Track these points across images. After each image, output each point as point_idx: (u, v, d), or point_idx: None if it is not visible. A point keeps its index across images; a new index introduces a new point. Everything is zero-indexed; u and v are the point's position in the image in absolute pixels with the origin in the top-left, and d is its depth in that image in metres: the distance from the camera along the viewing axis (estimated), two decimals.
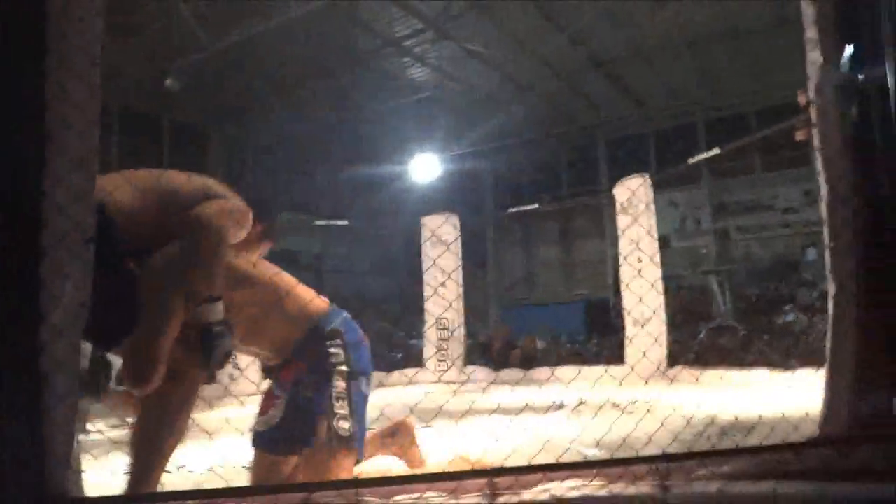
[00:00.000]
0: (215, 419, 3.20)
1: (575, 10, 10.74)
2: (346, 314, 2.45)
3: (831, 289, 2.10)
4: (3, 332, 1.63)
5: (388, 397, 4.98)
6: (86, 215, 1.84)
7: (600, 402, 3.93)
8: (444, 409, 2.91)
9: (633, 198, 6.06)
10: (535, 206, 8.08)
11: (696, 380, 5.62)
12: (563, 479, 1.82)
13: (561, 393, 5.08)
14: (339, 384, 2.18)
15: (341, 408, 2.14)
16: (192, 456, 3.01)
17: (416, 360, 7.67)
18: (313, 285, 2.53)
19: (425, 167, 13.65)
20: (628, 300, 6.14)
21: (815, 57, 2.19)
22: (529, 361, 6.83)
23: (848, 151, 2.09)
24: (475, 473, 1.79)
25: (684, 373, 5.85)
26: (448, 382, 6.32)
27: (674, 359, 6.34)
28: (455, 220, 7.06)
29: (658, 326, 6.01)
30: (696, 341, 10.54)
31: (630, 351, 6.07)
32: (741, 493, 1.83)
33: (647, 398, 4.34)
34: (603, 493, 1.78)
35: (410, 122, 13.71)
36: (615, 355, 6.69)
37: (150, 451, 1.98)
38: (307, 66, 11.84)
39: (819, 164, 2.14)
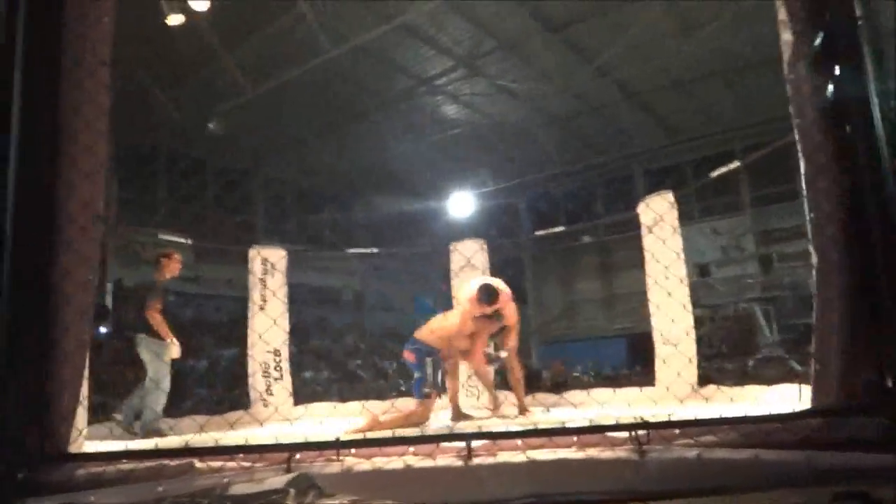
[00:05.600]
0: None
1: (602, 43, 10.92)
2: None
3: (814, 259, 2.11)
4: (20, 297, 1.78)
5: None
6: (92, 221, 2.02)
7: (623, 417, 3.87)
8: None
9: (657, 216, 6.02)
10: (562, 228, 8.07)
11: (731, 399, 5.47)
12: (540, 446, 1.85)
13: (592, 412, 5.02)
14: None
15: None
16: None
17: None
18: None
19: (461, 203, 13.82)
20: (657, 321, 6.06)
21: (786, 37, 2.24)
22: (559, 387, 6.77)
23: (823, 123, 2.12)
24: (453, 437, 1.84)
25: (719, 392, 5.70)
26: (479, 408, 6.30)
27: (708, 379, 6.20)
28: (484, 245, 7.13)
29: (689, 346, 5.89)
30: (741, 373, 10.21)
31: (661, 373, 5.96)
32: (721, 458, 1.83)
33: (678, 414, 4.20)
34: (579, 455, 1.81)
35: (445, 158, 13.97)
36: (651, 380, 6.55)
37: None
38: (343, 107, 12.26)
39: (796, 136, 2.17)
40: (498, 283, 5.16)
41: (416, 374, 4.85)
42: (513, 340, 5.16)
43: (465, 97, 12.53)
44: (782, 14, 2.23)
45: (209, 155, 13.36)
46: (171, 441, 4.34)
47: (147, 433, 4.83)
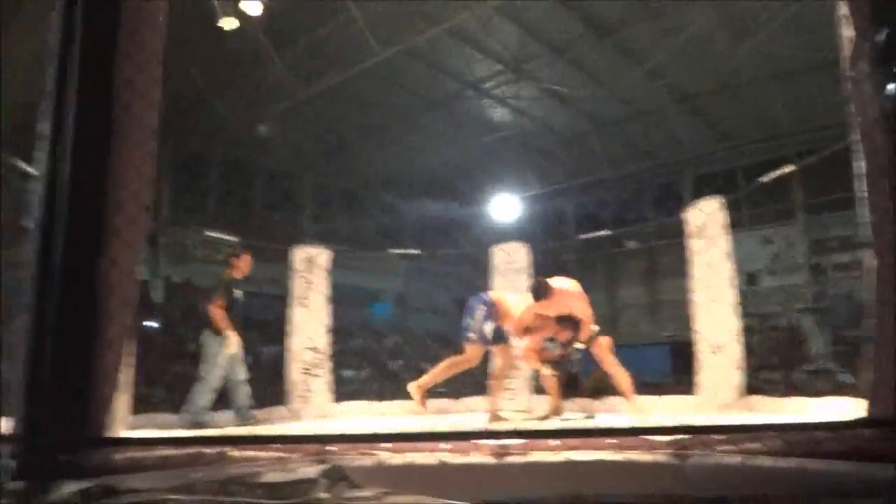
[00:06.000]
0: None
1: (652, 47, 10.73)
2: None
3: (874, 262, 2.01)
4: (69, 286, 1.83)
5: (455, 421, 5.06)
6: (140, 212, 2.06)
7: (665, 423, 3.79)
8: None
9: (706, 220, 5.89)
10: (608, 231, 7.99)
11: (777, 410, 5.30)
12: (577, 447, 1.81)
13: (633, 417, 4.97)
14: None
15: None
16: None
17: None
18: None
19: (506, 206, 13.74)
20: (703, 325, 5.91)
21: (848, 34, 2.16)
22: (599, 392, 6.67)
23: (885, 123, 2.02)
24: (487, 434, 1.81)
25: (765, 402, 5.54)
26: (515, 411, 6.25)
27: (754, 389, 6.02)
28: (526, 248, 7.08)
29: (735, 352, 5.72)
30: (789, 384, 9.86)
31: (705, 378, 5.81)
32: (766, 466, 1.75)
33: (721, 421, 4.14)
34: (618, 457, 1.76)
35: (490, 163, 13.94)
36: (694, 389, 6.39)
37: None
38: (390, 110, 12.36)
39: (855, 137, 2.08)
40: (559, 281, 5.08)
41: (467, 320, 5.04)
42: (586, 335, 5.03)
43: (513, 101, 12.48)
44: (843, 9, 2.14)
45: (257, 156, 13.61)
46: (207, 430, 4.45)
47: (188, 424, 5.00)
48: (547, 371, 5.23)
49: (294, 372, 6.41)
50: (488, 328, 4.98)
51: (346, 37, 9.94)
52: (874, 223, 2.03)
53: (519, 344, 5.09)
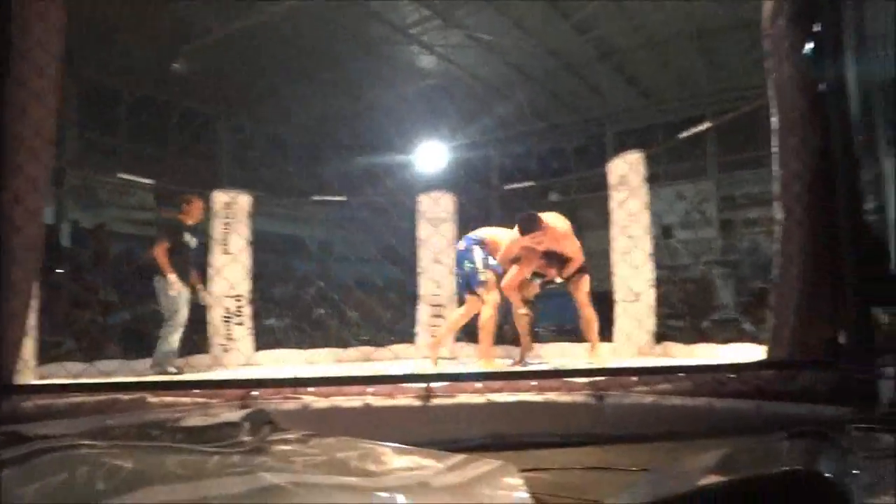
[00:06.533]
0: None
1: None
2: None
3: (779, 214, 2.12)
4: None
5: (377, 368, 5.10)
6: (44, 147, 1.92)
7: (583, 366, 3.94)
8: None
9: (630, 172, 6.06)
10: (532, 182, 8.13)
11: (686, 354, 5.63)
12: (499, 389, 1.86)
13: (553, 362, 5.13)
14: None
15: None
16: None
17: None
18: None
19: (431, 155, 13.66)
20: (620, 271, 6.15)
21: None
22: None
23: (799, 80, 2.11)
24: (413, 377, 1.84)
25: (675, 348, 5.85)
26: (440, 357, 6.35)
27: (664, 337, 6.35)
28: (451, 198, 7.10)
29: (650, 301, 5.99)
30: (696, 333, 10.47)
31: (620, 324, 6.07)
32: (676, 405, 1.86)
33: (636, 364, 4.34)
34: (538, 398, 1.82)
35: (417, 111, 13.75)
36: (610, 337, 6.66)
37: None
38: (315, 53, 11.91)
39: (770, 92, 2.16)
40: (550, 217, 5.06)
41: (467, 266, 5.00)
42: (571, 271, 5.12)
43: (441, 48, 12.27)
44: None
45: (173, 97, 12.91)
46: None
47: (153, 365, 5.14)
48: (523, 310, 5.23)
49: (215, 318, 6.26)
50: (491, 261, 5.01)
51: None
52: (782, 178, 2.13)
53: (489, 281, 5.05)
